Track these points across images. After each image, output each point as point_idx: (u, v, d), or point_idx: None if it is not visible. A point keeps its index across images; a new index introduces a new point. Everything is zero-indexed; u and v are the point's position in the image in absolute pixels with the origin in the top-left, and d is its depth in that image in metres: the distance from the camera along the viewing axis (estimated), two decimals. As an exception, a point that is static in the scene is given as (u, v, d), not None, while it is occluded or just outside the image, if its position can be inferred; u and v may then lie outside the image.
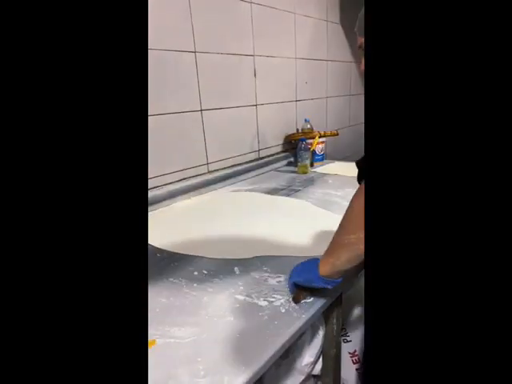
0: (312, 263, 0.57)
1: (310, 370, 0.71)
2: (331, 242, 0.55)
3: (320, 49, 1.82)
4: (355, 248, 0.48)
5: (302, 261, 0.62)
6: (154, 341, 0.50)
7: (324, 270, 0.54)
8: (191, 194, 1.21)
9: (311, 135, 1.61)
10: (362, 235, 0.46)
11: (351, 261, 0.51)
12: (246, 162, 1.47)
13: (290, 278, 0.61)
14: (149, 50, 1.01)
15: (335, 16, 1.91)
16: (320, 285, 0.55)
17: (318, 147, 1.65)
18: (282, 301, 0.59)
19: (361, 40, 0.64)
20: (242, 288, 0.63)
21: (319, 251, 0.58)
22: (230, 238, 0.87)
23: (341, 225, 0.53)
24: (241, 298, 0.60)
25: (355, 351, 1.03)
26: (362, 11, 0.62)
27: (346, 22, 1.98)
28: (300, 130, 1.70)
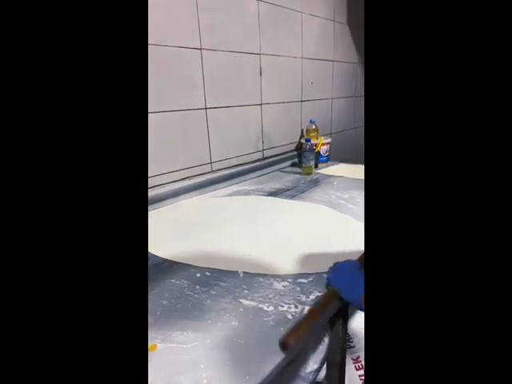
0: (354, 270, 0.57)
1: (314, 377, 0.68)
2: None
3: (326, 49, 1.80)
4: None
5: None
6: (154, 345, 0.48)
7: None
8: (194, 193, 1.19)
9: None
10: None
11: None
12: (250, 162, 1.45)
13: (330, 276, 0.59)
14: (154, 47, 0.99)
15: (342, 16, 1.89)
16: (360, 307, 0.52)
17: (323, 148, 1.63)
18: (289, 306, 0.57)
19: None
20: (246, 291, 0.61)
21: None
22: (237, 247, 0.85)
23: None
24: (245, 302, 0.58)
25: (358, 357, 1.01)
26: None
27: (353, 23, 1.96)
28: (305, 131, 1.68)
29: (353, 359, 1.01)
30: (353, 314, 1.00)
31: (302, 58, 1.63)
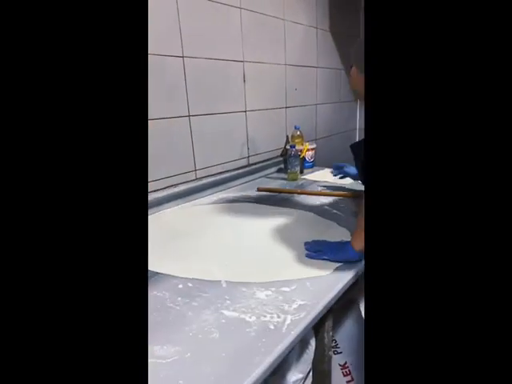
0: (344, 245, 0.74)
1: (299, 386, 0.68)
2: (361, 225, 0.68)
3: (310, 55, 1.82)
4: None
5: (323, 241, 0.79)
6: (133, 361, 0.47)
7: (359, 246, 0.69)
8: (178, 201, 1.18)
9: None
10: None
11: None
12: (236, 169, 1.45)
13: (318, 254, 0.75)
14: (135, 54, 0.99)
15: (325, 23, 1.92)
16: (358, 258, 0.71)
17: (308, 154, 1.63)
18: (271, 316, 0.56)
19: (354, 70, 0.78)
20: (228, 302, 0.60)
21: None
22: (220, 256, 0.84)
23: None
24: (227, 312, 0.58)
25: (346, 363, 1.00)
26: (356, 45, 0.77)
27: (336, 30, 1.99)
28: (290, 137, 1.69)
29: (340, 365, 1.01)
30: (339, 320, 1.00)
31: (286, 64, 1.65)
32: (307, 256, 0.76)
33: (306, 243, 0.80)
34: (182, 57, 1.13)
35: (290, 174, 1.47)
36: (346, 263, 0.72)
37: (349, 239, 0.75)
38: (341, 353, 1.02)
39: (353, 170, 1.24)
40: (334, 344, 1.03)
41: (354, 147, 0.84)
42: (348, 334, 1.03)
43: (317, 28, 1.84)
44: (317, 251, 0.76)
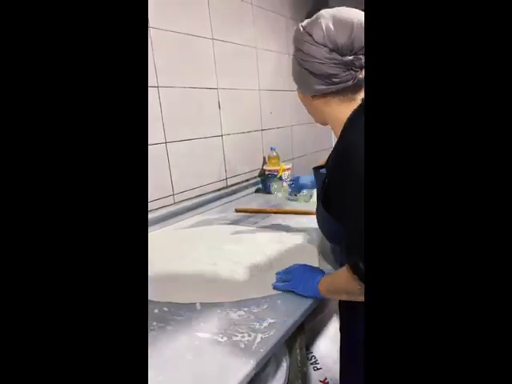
0: (312, 281, 0.67)
1: (276, 403, 0.70)
2: (330, 289, 0.66)
3: (282, 80, 1.91)
4: (356, 296, 0.60)
5: (295, 269, 0.73)
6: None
7: (324, 294, 0.66)
8: (157, 226, 1.19)
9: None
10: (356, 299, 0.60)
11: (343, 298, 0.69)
12: (214, 191, 1.48)
13: (285, 285, 0.71)
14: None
15: (296, 49, 2.02)
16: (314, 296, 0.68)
17: (285, 174, 1.69)
18: (242, 335, 0.59)
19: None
20: (202, 324, 0.63)
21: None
22: (196, 278, 0.86)
23: (338, 286, 0.64)
24: (201, 335, 0.60)
25: (326, 379, 1.02)
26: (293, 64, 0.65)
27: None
28: (266, 158, 1.74)
29: (320, 381, 1.02)
30: (316, 336, 1.03)
31: (259, 89, 1.72)
32: (275, 287, 0.73)
33: (278, 273, 0.76)
34: (157, 87, 1.18)
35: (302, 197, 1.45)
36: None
37: (317, 258, 0.78)
38: (320, 369, 1.04)
39: (307, 179, 1.23)
40: (313, 360, 1.05)
41: (315, 170, 0.88)
42: (326, 350, 1.06)
43: (288, 54, 1.94)
44: (284, 281, 0.73)
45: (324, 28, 0.55)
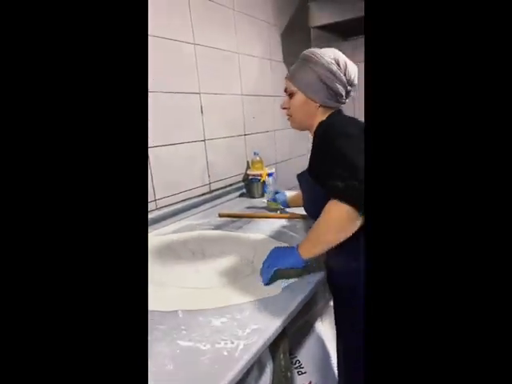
0: (290, 251, 0.74)
1: (260, 410, 0.69)
2: (310, 238, 0.72)
3: (265, 85, 1.92)
4: (331, 245, 0.70)
5: (273, 249, 0.78)
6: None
7: (306, 255, 0.72)
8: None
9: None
10: (337, 236, 0.67)
11: (324, 251, 0.74)
12: (197, 196, 1.47)
13: (267, 266, 0.75)
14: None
15: (278, 55, 2.04)
16: (303, 266, 0.74)
17: (268, 178, 1.69)
18: (225, 343, 0.58)
19: (289, 86, 0.95)
20: (184, 332, 0.62)
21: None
22: (178, 285, 0.85)
23: (319, 225, 0.70)
24: (182, 343, 0.59)
25: (310, 383, 1.02)
26: (298, 68, 0.88)
27: (290, 60, 2.12)
28: (250, 163, 1.75)
29: (305, 385, 1.02)
30: (299, 340, 1.03)
31: (242, 94, 1.73)
32: (264, 282, 0.76)
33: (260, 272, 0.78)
34: (138, 91, 1.17)
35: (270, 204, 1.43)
36: (298, 278, 0.78)
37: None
38: (305, 373, 1.04)
39: (282, 196, 1.34)
40: (298, 365, 1.05)
41: (299, 176, 0.92)
42: (310, 354, 1.06)
43: (270, 60, 1.96)
44: (266, 268, 0.75)
45: (346, 62, 0.83)
